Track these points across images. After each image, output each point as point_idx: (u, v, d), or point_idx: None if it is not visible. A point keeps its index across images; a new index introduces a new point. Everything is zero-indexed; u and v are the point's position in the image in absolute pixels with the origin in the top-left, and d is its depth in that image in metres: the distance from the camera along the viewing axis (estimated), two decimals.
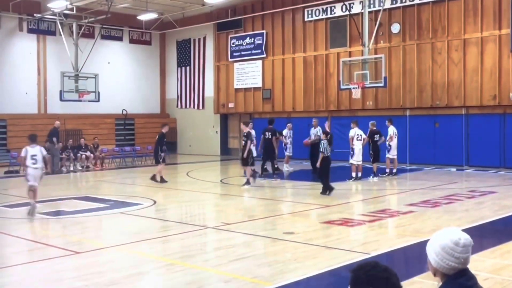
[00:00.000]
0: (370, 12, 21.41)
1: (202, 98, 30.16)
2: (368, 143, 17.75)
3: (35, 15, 26.02)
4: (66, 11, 24.68)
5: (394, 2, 22.32)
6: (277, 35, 26.29)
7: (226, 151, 29.25)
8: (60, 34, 25.73)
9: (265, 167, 18.85)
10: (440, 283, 2.70)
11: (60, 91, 24.55)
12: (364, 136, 17.45)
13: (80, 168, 22.68)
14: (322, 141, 14.24)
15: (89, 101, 25.54)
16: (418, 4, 21.79)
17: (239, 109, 28.11)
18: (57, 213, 12.38)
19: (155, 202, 13.60)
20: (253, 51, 27.14)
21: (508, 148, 19.91)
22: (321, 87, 24.74)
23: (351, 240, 9.27)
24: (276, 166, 19.19)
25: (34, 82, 26.67)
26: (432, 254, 2.67)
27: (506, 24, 19.73)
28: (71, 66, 25.17)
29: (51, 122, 24.27)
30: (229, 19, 28.00)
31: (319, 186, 14.40)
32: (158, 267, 7.69)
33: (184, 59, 31.08)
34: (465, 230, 2.75)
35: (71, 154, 22.66)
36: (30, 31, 26.56)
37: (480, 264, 6.99)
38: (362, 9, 21.15)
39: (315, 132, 19.47)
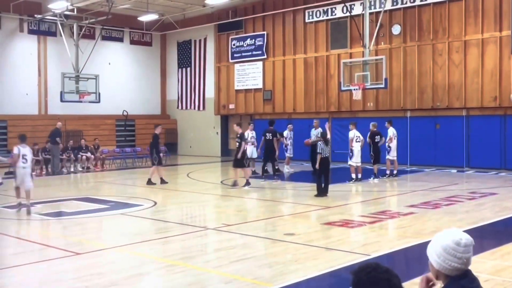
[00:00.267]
0: (371, 14, 21.40)
1: (203, 99, 30.17)
2: (369, 145, 17.74)
3: (35, 16, 26.03)
4: (66, 12, 24.67)
5: (395, 3, 22.32)
6: (278, 36, 26.30)
7: (226, 152, 29.23)
8: (61, 35, 25.74)
9: (265, 168, 18.84)
10: (442, 286, 2.69)
11: (61, 92, 24.55)
12: (362, 138, 17.45)
13: (80, 169, 22.68)
14: (319, 142, 14.32)
15: (90, 102, 25.53)
16: (419, 6, 21.80)
17: (239, 110, 28.11)
18: (58, 214, 12.37)
19: (155, 203, 13.60)
20: (254, 52, 27.15)
21: (509, 149, 19.90)
22: (322, 88, 24.74)
23: (352, 241, 9.27)
24: (276, 167, 19.19)
25: (34, 83, 26.68)
26: (434, 256, 2.66)
27: (507, 25, 19.73)
28: (72, 67, 25.18)
29: (51, 123, 24.29)
30: (230, 20, 28.00)
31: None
32: (158, 268, 7.68)
33: (184, 60, 31.09)
34: (465, 232, 2.75)
35: (72, 155, 22.66)
36: (31, 32, 26.58)
37: (480, 266, 6.99)
38: (363, 10, 21.15)
39: (316, 133, 19.45)
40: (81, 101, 25.31)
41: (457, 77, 20.94)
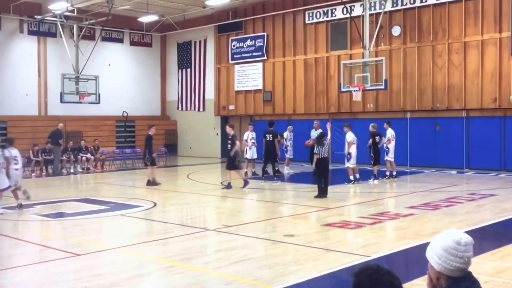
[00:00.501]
0: (371, 15, 21.41)
1: (203, 100, 30.18)
2: (369, 146, 17.71)
3: (35, 16, 26.03)
4: (66, 13, 24.67)
5: (395, 4, 22.34)
6: (278, 37, 26.31)
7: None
8: (61, 36, 25.74)
9: (265, 169, 18.84)
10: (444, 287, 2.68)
11: (61, 93, 24.54)
12: (356, 138, 17.35)
13: (80, 170, 22.68)
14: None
15: (90, 103, 25.52)
16: (419, 7, 21.81)
17: (239, 112, 28.12)
18: (58, 215, 12.36)
19: (155, 204, 13.59)
20: (254, 53, 27.16)
21: (509, 151, 19.91)
22: (322, 89, 24.75)
23: (352, 242, 9.26)
24: (276, 168, 19.19)
25: (34, 84, 26.68)
26: (435, 257, 2.65)
27: (507, 27, 19.75)
28: (72, 68, 25.16)
29: (51, 124, 24.30)
30: (230, 21, 28.02)
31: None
32: (158, 269, 7.69)
33: (184, 61, 31.09)
34: (466, 233, 2.75)
35: (72, 156, 22.66)
36: (31, 32, 26.58)
37: (480, 267, 6.98)
38: (363, 11, 21.16)
39: (316, 134, 19.44)
40: (81, 102, 25.29)
41: (457, 79, 20.95)
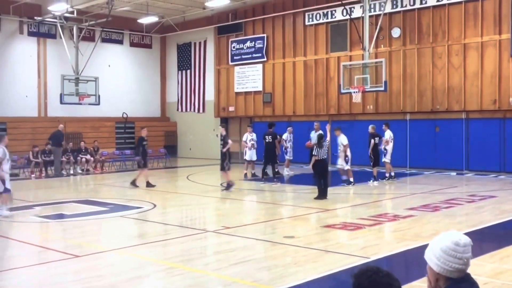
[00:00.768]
0: (370, 16, 21.42)
1: (203, 102, 30.18)
2: (371, 148, 17.68)
3: (35, 18, 26.03)
4: (66, 14, 24.69)
5: (394, 6, 22.35)
6: (278, 39, 26.32)
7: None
8: (61, 37, 25.75)
9: (265, 170, 18.85)
10: None
11: (61, 94, 24.54)
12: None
13: (80, 171, 22.68)
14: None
15: (90, 104, 25.53)
16: (419, 9, 21.83)
17: (239, 113, 28.12)
18: (57, 217, 12.36)
19: (155, 205, 13.59)
20: (254, 55, 27.17)
21: (508, 152, 19.91)
22: (322, 91, 24.76)
23: (351, 244, 9.26)
24: (276, 170, 19.20)
25: (34, 85, 26.68)
26: (434, 259, 2.66)
27: (506, 28, 19.76)
28: (72, 69, 25.17)
29: (51, 125, 24.29)
30: (230, 22, 28.03)
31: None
32: (158, 270, 7.69)
33: (184, 63, 31.10)
34: (465, 234, 2.75)
35: (71, 157, 22.66)
36: (31, 34, 26.58)
37: (479, 269, 6.99)
38: (363, 13, 21.16)
39: (316, 136, 19.44)
40: (80, 103, 25.29)
41: (457, 80, 20.96)
